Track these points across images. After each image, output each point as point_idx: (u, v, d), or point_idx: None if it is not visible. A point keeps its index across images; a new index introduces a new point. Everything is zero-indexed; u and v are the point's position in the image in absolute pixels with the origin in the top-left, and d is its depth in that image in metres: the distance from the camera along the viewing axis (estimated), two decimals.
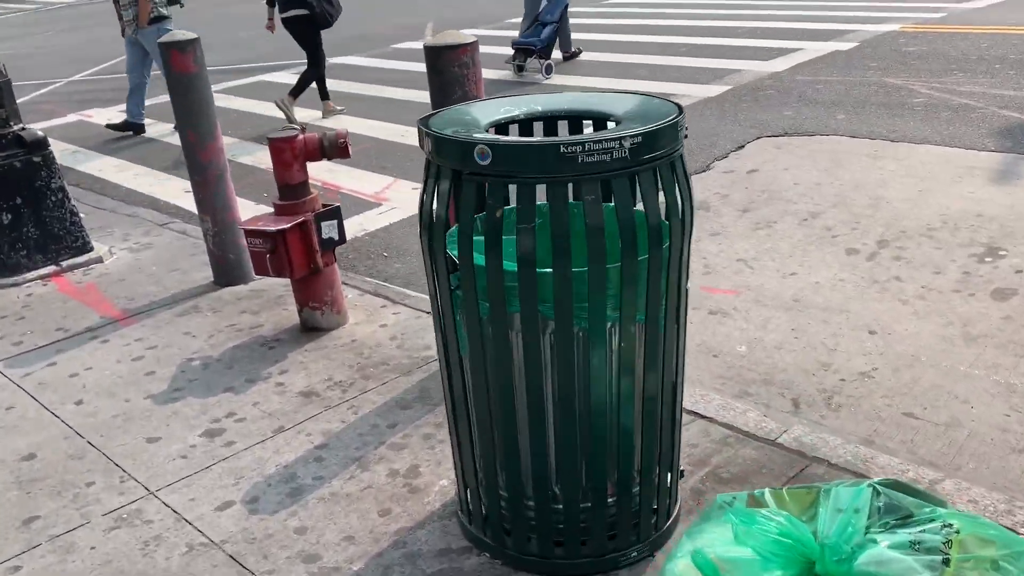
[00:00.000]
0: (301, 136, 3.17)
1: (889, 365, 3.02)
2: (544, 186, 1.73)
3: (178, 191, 5.76)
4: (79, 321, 3.66)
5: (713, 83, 7.30)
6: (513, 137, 1.83)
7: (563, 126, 2.11)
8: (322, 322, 3.38)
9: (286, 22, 7.27)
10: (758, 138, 5.72)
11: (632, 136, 1.71)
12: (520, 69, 8.47)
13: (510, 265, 1.79)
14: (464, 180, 1.79)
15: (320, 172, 5.82)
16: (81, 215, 4.43)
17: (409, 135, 6.64)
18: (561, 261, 1.75)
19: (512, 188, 1.81)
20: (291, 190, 3.19)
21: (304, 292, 3.34)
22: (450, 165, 1.81)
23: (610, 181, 1.74)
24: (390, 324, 3.40)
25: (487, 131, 1.95)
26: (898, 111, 5.93)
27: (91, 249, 4.35)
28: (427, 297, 3.71)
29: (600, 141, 1.69)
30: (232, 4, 17.38)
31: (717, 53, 8.53)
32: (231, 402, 2.92)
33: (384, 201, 5.33)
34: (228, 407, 2.89)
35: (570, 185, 1.74)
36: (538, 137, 2.02)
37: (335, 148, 3.19)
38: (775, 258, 3.98)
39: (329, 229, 3.28)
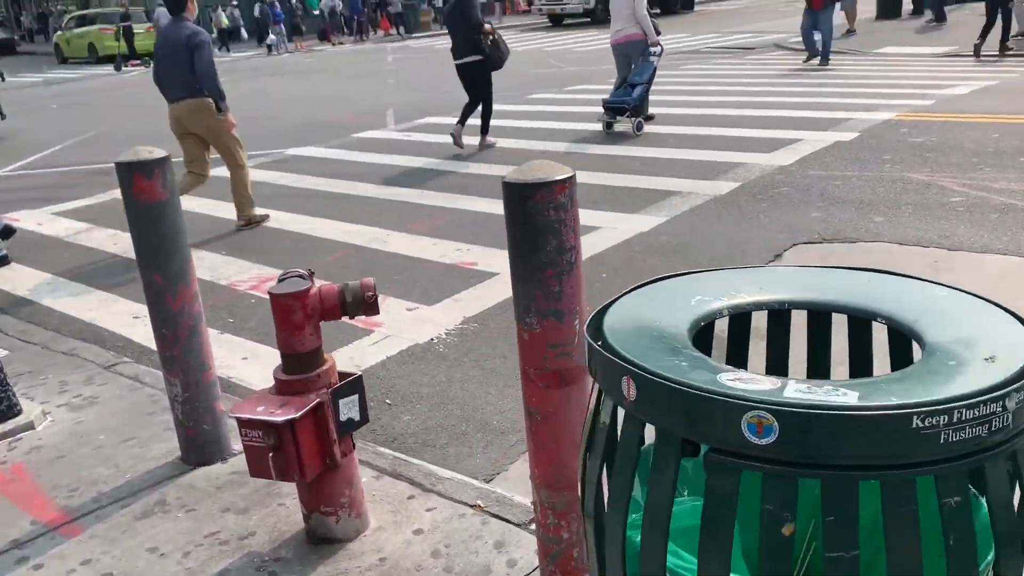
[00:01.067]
0: (315, 289, 2.38)
1: None
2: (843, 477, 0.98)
3: (125, 317, 4.86)
4: (3, 530, 2.73)
5: (719, 179, 6.75)
6: (809, 394, 1.05)
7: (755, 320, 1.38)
8: (337, 531, 2.53)
9: (460, 67, 8.49)
10: (793, 245, 5.12)
11: (1019, 390, 0.98)
12: (609, 126, 9.15)
13: None
14: (714, 465, 1.02)
15: None
16: (2, 366, 3.52)
17: (391, 240, 5.89)
18: None
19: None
20: (300, 361, 2.38)
21: (315, 494, 2.49)
22: (680, 432, 1.05)
23: (983, 467, 0.99)
24: (427, 529, 2.57)
25: (691, 334, 1.21)
26: (939, 213, 5.41)
27: (18, 412, 3.42)
28: (465, 480, 2.89)
29: (976, 403, 0.95)
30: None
31: (710, 144, 8.05)
32: None
33: (375, 327, 4.52)
34: None
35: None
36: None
37: (360, 305, 2.40)
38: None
39: (349, 408, 2.47)
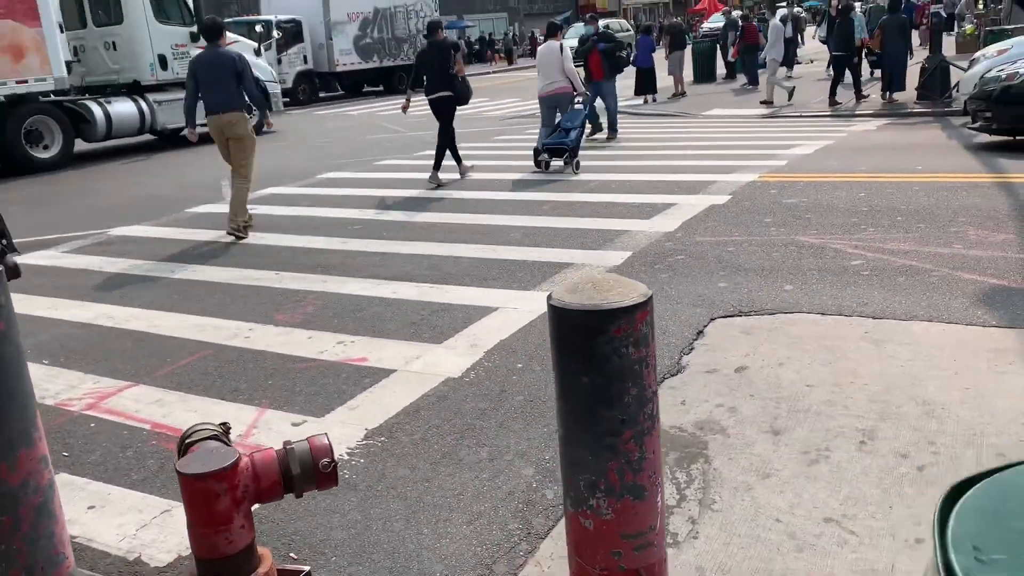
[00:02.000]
0: (245, 460, 1.64)
1: None
2: None
3: None
4: None
5: (607, 248, 6.39)
6: None
7: None
8: None
9: (433, 101, 9.50)
10: (712, 319, 4.76)
11: None
12: (547, 166, 10.03)
13: None
14: None
15: (146, 403, 4.09)
16: None
17: (255, 335, 5.04)
18: None
19: None
20: (228, 567, 1.62)
21: None
22: None
23: None
24: None
25: None
26: (846, 278, 5.25)
27: None
28: None
29: None
30: None
31: (584, 211, 7.74)
32: None
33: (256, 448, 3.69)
34: None
35: None
36: None
37: (310, 478, 1.69)
38: (877, 514, 2.87)
39: None
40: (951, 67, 15.08)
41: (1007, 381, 3.74)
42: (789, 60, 20.77)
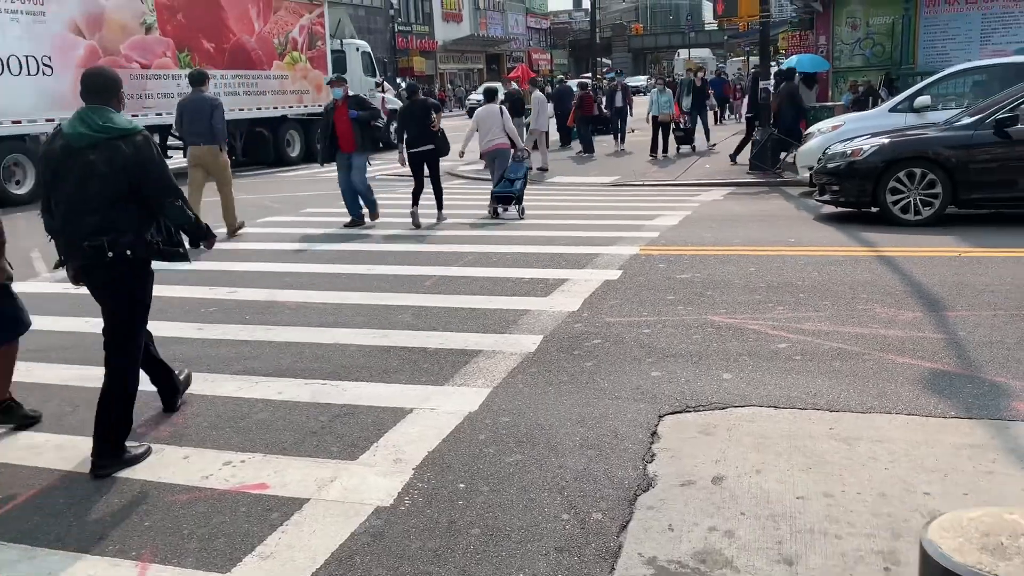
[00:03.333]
0: None
1: None
2: None
3: None
4: None
5: (513, 331, 5.84)
6: None
7: None
8: None
9: (414, 154, 10.81)
10: (661, 417, 4.30)
11: None
12: (496, 213, 11.37)
13: None
14: None
15: None
16: None
17: None
18: None
19: None
20: None
21: None
22: None
23: None
24: None
25: None
26: (781, 364, 4.98)
27: None
28: None
29: None
30: None
31: (473, 288, 7.17)
32: None
33: None
34: None
35: None
36: None
37: None
38: None
39: None
40: (781, 139, 15.99)
41: (1001, 483, 3.50)
42: (620, 131, 21.37)
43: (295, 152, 21.63)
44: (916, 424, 4.09)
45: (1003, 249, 7.72)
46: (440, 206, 11.18)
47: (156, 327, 6.26)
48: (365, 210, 11.12)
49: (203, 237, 4.39)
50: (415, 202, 10.83)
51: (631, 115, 22.29)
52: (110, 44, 15.95)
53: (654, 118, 18.74)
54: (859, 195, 9.65)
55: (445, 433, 4.21)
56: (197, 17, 18.00)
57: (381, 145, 11.20)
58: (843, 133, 11.76)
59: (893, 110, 12.02)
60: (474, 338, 5.73)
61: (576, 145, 21.69)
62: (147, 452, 4.16)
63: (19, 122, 14.25)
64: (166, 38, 17.31)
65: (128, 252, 4.01)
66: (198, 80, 10.48)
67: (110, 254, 3.97)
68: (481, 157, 12.44)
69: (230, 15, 18.94)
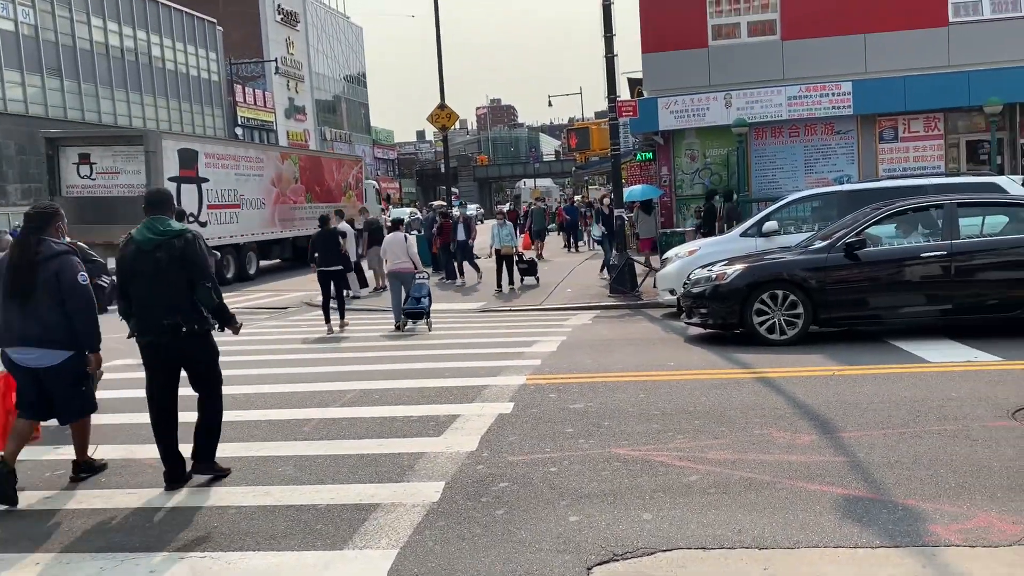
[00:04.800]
0: None
1: None
2: None
3: None
4: None
5: (410, 478, 5.41)
6: None
7: None
8: None
9: (324, 272, 13.36)
10: (590, 570, 4.00)
11: None
12: (405, 327, 12.99)
13: None
14: None
15: None
16: None
17: None
18: None
19: None
20: None
21: None
22: None
23: None
24: None
25: None
26: (697, 499, 4.81)
27: None
28: None
29: None
30: None
31: (358, 430, 6.70)
32: None
33: None
34: None
35: None
36: None
37: None
38: None
39: None
40: (635, 264, 16.58)
41: None
42: (460, 264, 20.72)
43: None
44: (849, 559, 3.98)
45: (872, 367, 8.07)
46: (342, 315, 13.67)
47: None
48: None
49: (226, 321, 5.68)
50: (327, 318, 13.36)
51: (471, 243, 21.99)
52: (283, 190, 27.89)
53: (496, 251, 18.49)
54: (727, 317, 9.96)
55: None
56: (313, 172, 30.55)
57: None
58: (701, 258, 12.28)
59: (744, 235, 12.73)
60: (369, 489, 5.26)
61: (441, 272, 21.59)
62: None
63: (254, 234, 26.00)
64: (302, 185, 29.40)
65: (195, 327, 5.45)
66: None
67: (183, 329, 5.40)
68: (386, 277, 14.60)
69: (325, 170, 31.75)
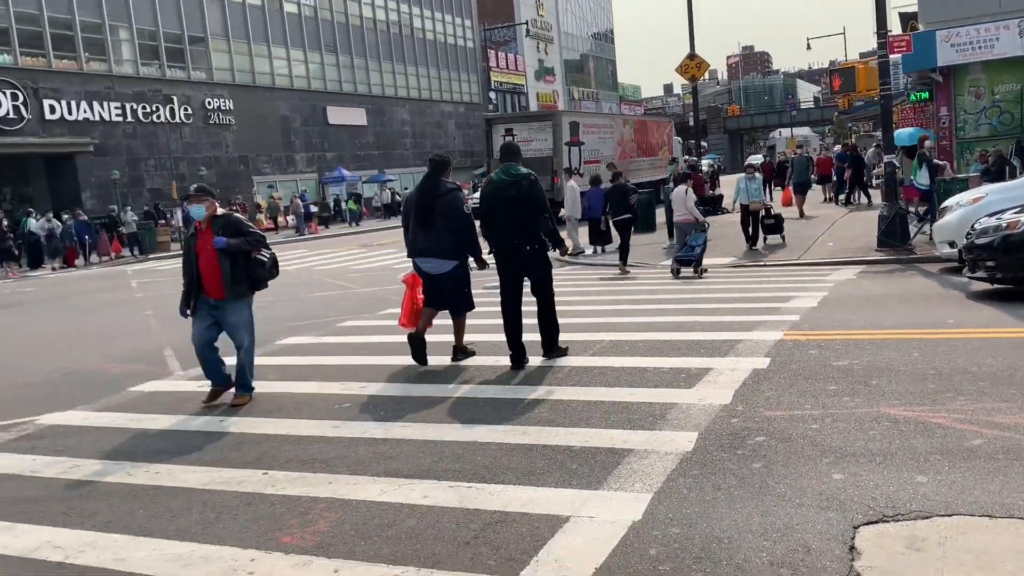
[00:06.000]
0: None
1: None
2: None
3: None
4: None
5: (661, 427, 5.43)
6: None
7: None
8: None
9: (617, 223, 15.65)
10: (857, 529, 3.79)
11: None
12: (678, 272, 13.90)
13: None
14: None
15: None
16: None
17: (261, 570, 3.80)
18: None
19: None
20: None
21: None
22: None
23: None
24: None
25: None
26: (979, 463, 4.39)
27: None
28: None
29: None
30: None
31: (608, 378, 6.80)
32: None
33: None
34: None
35: None
36: None
37: None
38: None
39: None
40: (908, 215, 15.23)
41: None
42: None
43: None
44: None
45: None
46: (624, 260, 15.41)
47: (293, 425, 6.16)
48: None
49: (557, 243, 7.65)
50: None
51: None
52: (624, 148, 34.83)
53: (744, 206, 17.60)
54: (1019, 270, 8.90)
55: (611, 546, 3.81)
56: (641, 133, 37.90)
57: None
58: (987, 205, 11.02)
59: None
60: (622, 435, 5.34)
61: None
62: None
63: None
64: (635, 143, 36.65)
65: (537, 246, 7.33)
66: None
67: (527, 247, 7.30)
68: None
69: (649, 131, 39.32)
